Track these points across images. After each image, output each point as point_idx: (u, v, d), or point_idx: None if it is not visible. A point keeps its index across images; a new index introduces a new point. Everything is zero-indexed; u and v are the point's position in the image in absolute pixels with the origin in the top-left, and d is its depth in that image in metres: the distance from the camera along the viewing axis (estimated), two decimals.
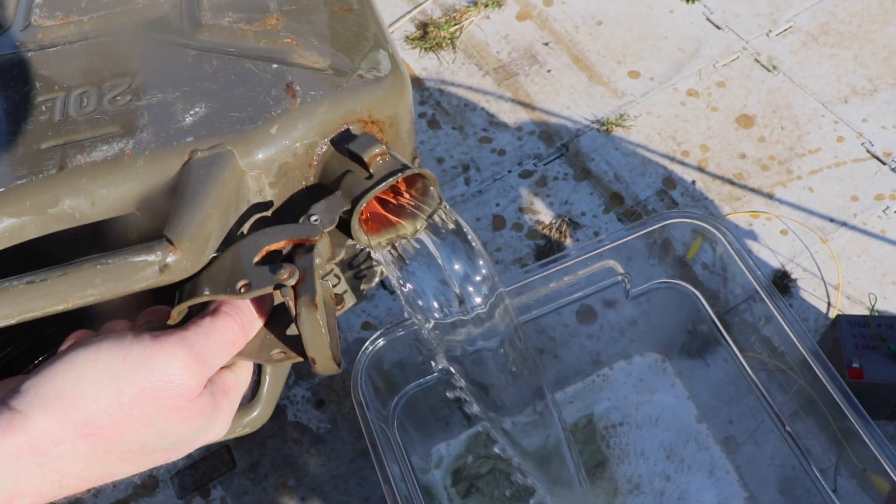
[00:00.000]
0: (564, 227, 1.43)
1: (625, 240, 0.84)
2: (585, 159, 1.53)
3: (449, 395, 0.71)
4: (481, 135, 1.58)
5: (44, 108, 0.51)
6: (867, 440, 0.86)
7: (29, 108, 0.51)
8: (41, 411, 0.37)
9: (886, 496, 0.88)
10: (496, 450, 1.02)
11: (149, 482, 1.27)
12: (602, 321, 1.25)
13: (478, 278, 0.58)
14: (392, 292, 1.36)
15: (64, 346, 0.43)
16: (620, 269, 0.87)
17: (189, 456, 1.28)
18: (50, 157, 0.47)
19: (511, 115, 1.62)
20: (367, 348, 0.76)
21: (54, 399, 0.37)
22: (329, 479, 1.23)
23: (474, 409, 0.70)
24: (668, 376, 1.13)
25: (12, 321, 0.42)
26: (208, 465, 1.27)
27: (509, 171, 1.53)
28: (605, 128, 1.57)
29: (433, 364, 0.83)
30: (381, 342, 0.77)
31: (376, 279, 0.67)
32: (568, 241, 1.41)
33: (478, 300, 0.59)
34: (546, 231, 1.43)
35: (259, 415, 0.58)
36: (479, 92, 1.66)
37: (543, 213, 1.46)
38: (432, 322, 0.59)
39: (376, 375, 0.78)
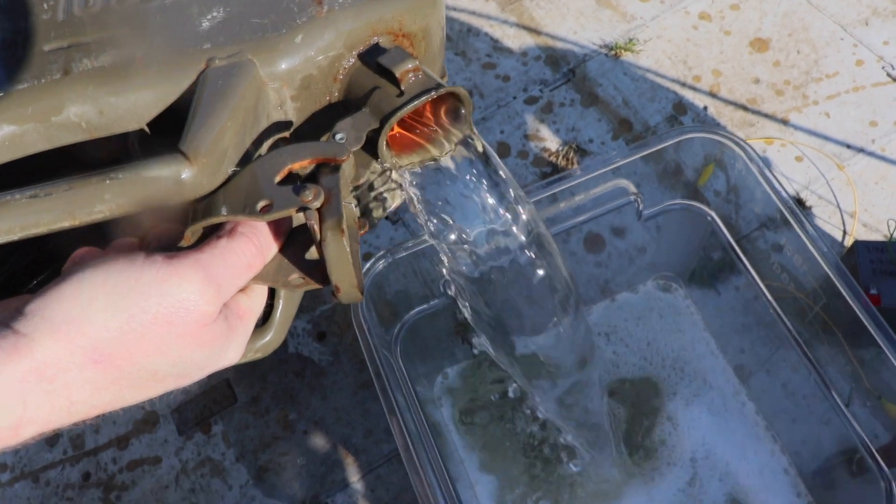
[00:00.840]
0: (571, 154, 1.38)
1: (637, 156, 0.80)
2: (593, 85, 1.48)
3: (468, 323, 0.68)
4: (485, 61, 1.53)
5: (45, 5, 0.46)
6: (885, 366, 0.83)
7: (29, 5, 0.47)
8: (48, 336, 0.35)
9: None
10: (510, 394, 0.99)
11: (149, 417, 1.25)
12: (610, 249, 1.21)
13: (504, 200, 0.55)
14: (394, 222, 1.33)
15: (69, 265, 0.40)
16: (633, 189, 0.83)
17: (188, 391, 1.26)
18: (53, 61, 0.43)
19: (516, 40, 1.56)
20: (366, 271, 0.73)
21: (62, 323, 0.35)
22: (331, 411, 1.20)
23: (484, 341, 0.67)
24: (680, 301, 1.10)
25: (14, 237, 0.40)
26: (209, 399, 1.25)
27: (514, 98, 1.47)
28: (613, 52, 1.51)
29: (441, 288, 0.79)
30: (381, 265, 0.74)
31: (396, 203, 0.63)
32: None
33: (507, 219, 0.56)
34: (552, 158, 1.39)
35: (272, 339, 0.55)
36: (482, 17, 1.59)
37: (550, 140, 1.42)
38: (457, 243, 0.57)
39: (378, 300, 0.74)
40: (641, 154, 0.79)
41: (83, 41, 0.44)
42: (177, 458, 1.21)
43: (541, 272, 0.60)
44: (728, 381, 1.06)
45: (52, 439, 1.25)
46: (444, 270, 0.60)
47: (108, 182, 0.40)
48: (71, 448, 1.24)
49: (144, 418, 1.25)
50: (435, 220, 0.55)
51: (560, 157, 1.38)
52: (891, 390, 0.87)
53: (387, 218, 1.35)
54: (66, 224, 0.40)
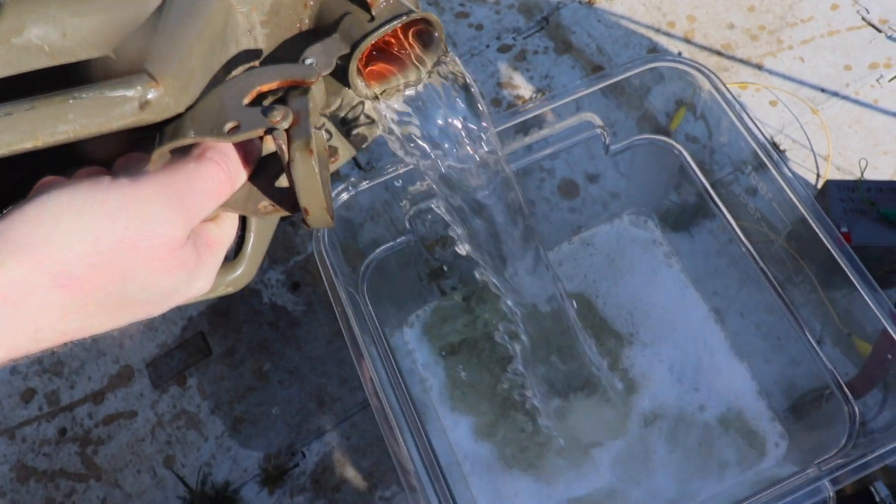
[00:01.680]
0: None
1: (602, 85, 0.79)
2: (566, 32, 1.46)
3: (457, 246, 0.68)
4: (458, 10, 1.51)
5: None
6: (856, 304, 0.84)
7: None
8: (12, 259, 0.34)
9: (867, 357, 0.86)
10: (509, 303, 0.98)
11: (124, 372, 1.25)
12: (585, 195, 1.21)
13: (477, 129, 0.55)
14: (362, 169, 1.31)
15: (33, 193, 0.38)
16: (599, 122, 0.82)
17: (163, 344, 1.25)
18: None
19: None
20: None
21: (25, 246, 0.34)
22: (306, 361, 1.20)
23: (466, 248, 0.66)
24: (655, 239, 1.09)
25: None
26: (183, 352, 1.24)
27: (487, 46, 1.46)
28: (587, 0, 1.50)
29: (408, 224, 0.79)
30: (344, 196, 0.73)
31: (371, 138, 0.63)
32: (556, 126, 1.36)
33: (476, 148, 0.56)
34: (525, 103, 1.37)
35: (243, 273, 0.54)
36: None
37: (523, 88, 1.40)
38: (426, 164, 0.56)
39: (342, 235, 0.73)
40: (606, 83, 0.78)
41: None
42: (152, 412, 1.21)
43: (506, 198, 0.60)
44: (703, 317, 1.06)
45: (28, 395, 1.24)
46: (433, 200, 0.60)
47: (71, 102, 0.38)
48: (46, 404, 1.23)
49: (119, 373, 1.25)
50: (412, 149, 0.54)
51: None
52: (861, 328, 0.87)
53: (354, 160, 1.34)
54: (28, 145, 0.39)
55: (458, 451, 0.94)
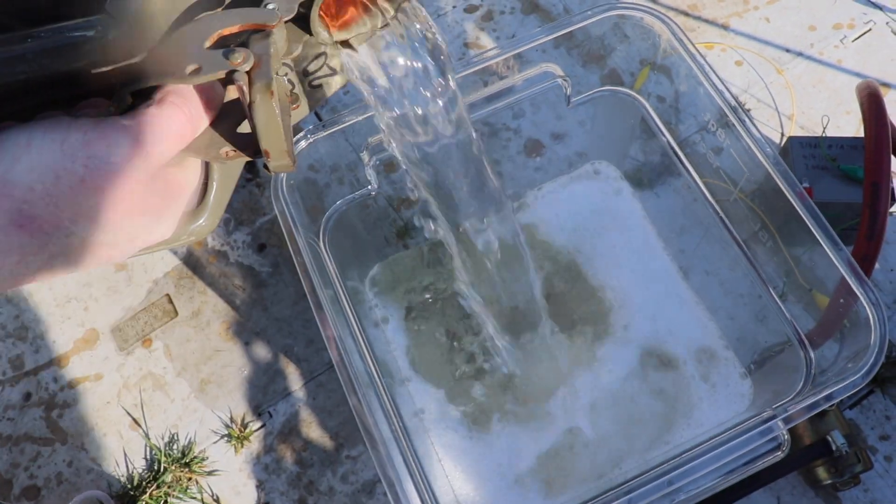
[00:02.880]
0: (512, 61, 1.36)
1: (560, 33, 0.78)
2: None
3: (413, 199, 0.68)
4: None
5: None
6: (817, 259, 0.85)
7: None
8: None
9: (826, 306, 0.87)
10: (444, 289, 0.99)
11: (90, 336, 1.24)
12: (550, 154, 1.21)
13: (441, 79, 0.54)
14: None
15: None
16: (560, 72, 0.82)
17: (129, 307, 1.24)
18: None
19: None
20: None
21: None
22: (272, 322, 1.20)
23: (431, 209, 0.66)
24: (621, 189, 1.09)
25: None
26: (149, 315, 1.23)
27: (454, 7, 1.45)
28: None
29: (368, 177, 0.78)
30: (303, 144, 0.72)
31: (334, 88, 0.62)
32: (516, 77, 1.35)
33: (439, 100, 0.56)
34: (493, 66, 1.37)
35: (206, 223, 0.54)
36: None
37: (490, 49, 1.40)
38: (392, 114, 0.56)
39: (302, 184, 0.73)
40: (568, 29, 0.78)
41: None
42: (118, 375, 1.20)
43: (467, 149, 0.61)
44: (668, 269, 1.07)
45: None
46: (387, 142, 0.59)
47: (29, 41, 0.38)
48: (10, 368, 1.22)
49: (84, 336, 1.24)
50: (375, 98, 0.54)
51: (500, 66, 1.36)
52: (822, 283, 0.88)
53: (315, 114, 1.33)
54: None
55: (423, 411, 0.94)
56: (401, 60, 0.52)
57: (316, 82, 0.61)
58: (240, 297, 1.22)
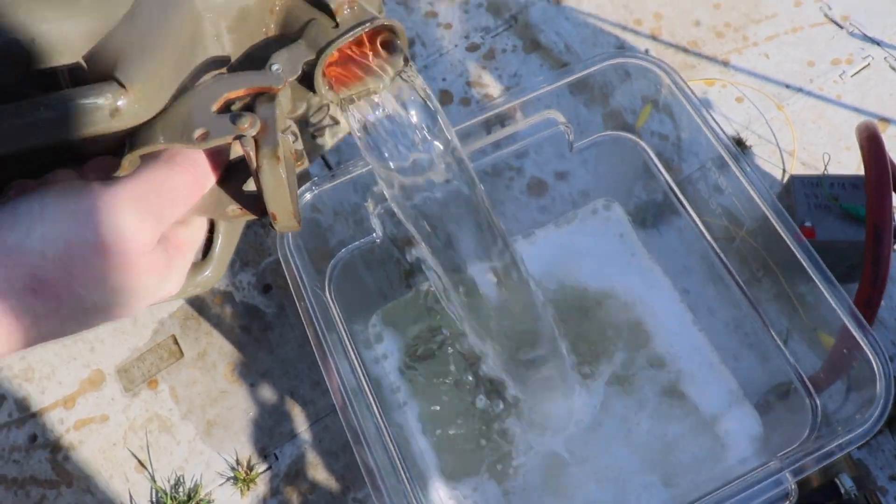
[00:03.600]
0: (516, 108, 1.37)
1: (565, 81, 0.79)
2: (535, 31, 1.47)
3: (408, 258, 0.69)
4: (427, 9, 1.51)
5: None
6: (820, 300, 0.85)
7: None
8: None
9: (829, 352, 0.88)
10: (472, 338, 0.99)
11: (95, 377, 1.24)
12: (554, 194, 1.21)
13: (437, 136, 0.57)
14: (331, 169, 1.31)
15: (3, 199, 0.39)
16: (562, 118, 0.83)
17: (135, 348, 1.25)
18: None
19: None
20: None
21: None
22: (278, 364, 1.20)
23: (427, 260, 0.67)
24: (624, 231, 1.10)
25: None
26: (155, 356, 1.24)
27: (456, 46, 1.46)
28: None
29: (374, 225, 0.79)
30: (308, 196, 0.73)
31: (334, 140, 0.64)
32: (517, 116, 1.36)
33: (436, 153, 0.58)
34: (497, 115, 1.38)
35: (211, 274, 0.55)
36: None
37: (492, 87, 1.41)
38: (390, 169, 0.58)
39: (308, 233, 0.73)
40: (570, 78, 0.79)
41: None
42: (124, 416, 1.20)
43: (468, 196, 0.62)
44: (677, 310, 1.07)
45: None
46: (387, 196, 0.61)
47: (42, 110, 0.39)
48: (17, 410, 1.22)
49: (90, 377, 1.24)
50: (374, 153, 0.56)
51: (504, 112, 1.37)
52: (826, 323, 0.88)
53: (323, 159, 1.34)
54: None
55: (427, 457, 0.94)
56: (397, 120, 0.54)
57: (317, 133, 0.62)
58: (245, 338, 1.22)
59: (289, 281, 0.69)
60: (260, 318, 1.24)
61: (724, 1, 1.49)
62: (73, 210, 0.36)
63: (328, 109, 0.61)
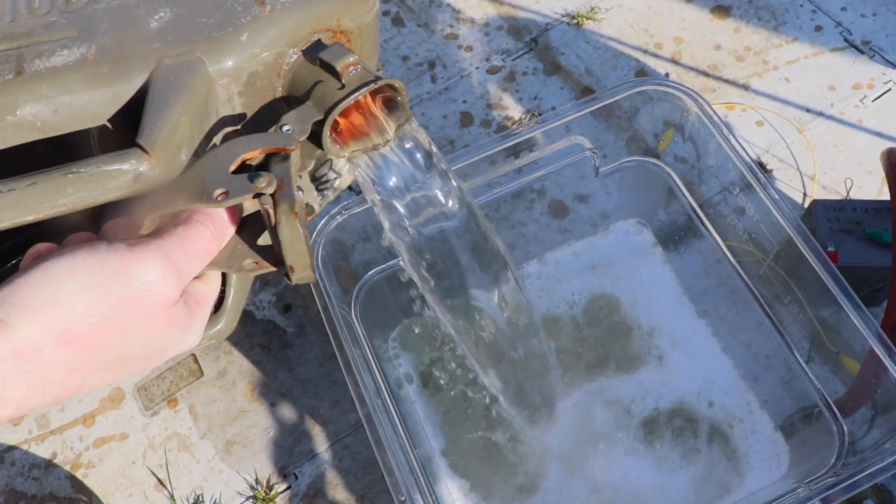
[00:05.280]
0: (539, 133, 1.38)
1: (591, 109, 0.80)
2: (555, 53, 1.48)
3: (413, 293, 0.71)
4: (447, 31, 1.52)
5: None
6: (843, 323, 0.85)
7: None
8: (22, 319, 0.37)
9: (855, 376, 0.87)
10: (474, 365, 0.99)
11: (115, 395, 1.24)
12: (574, 216, 1.22)
13: (442, 188, 0.60)
14: (356, 193, 1.32)
15: (27, 260, 0.42)
16: (588, 144, 0.83)
17: (155, 367, 1.25)
18: (4, 62, 0.44)
19: (478, 10, 1.55)
20: (320, 229, 0.72)
21: (34, 307, 0.37)
22: (298, 383, 1.20)
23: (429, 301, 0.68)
24: (649, 249, 1.10)
25: None
26: (175, 374, 1.24)
27: (476, 68, 1.47)
28: (575, 21, 1.51)
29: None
30: (339, 219, 0.73)
31: (339, 190, 0.67)
32: (545, 149, 1.37)
33: (442, 205, 0.61)
34: (515, 127, 1.39)
35: (224, 326, 0.59)
36: None
37: (512, 109, 1.42)
38: (399, 223, 0.61)
39: (335, 255, 0.74)
40: (595, 106, 0.79)
41: (33, 42, 0.46)
42: (144, 434, 1.20)
43: (469, 239, 0.64)
44: (700, 330, 1.07)
45: (17, 419, 1.24)
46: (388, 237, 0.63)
47: (70, 177, 0.41)
48: (36, 427, 1.23)
49: (110, 395, 1.24)
50: (379, 200, 0.59)
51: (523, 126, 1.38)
52: (848, 346, 0.88)
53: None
54: (30, 218, 0.42)
55: (448, 479, 0.94)
56: (400, 172, 0.57)
57: (322, 186, 0.65)
58: (265, 357, 1.23)
59: (317, 302, 0.70)
60: (280, 337, 1.24)
61: (743, 25, 1.49)
62: (101, 267, 0.39)
63: (332, 163, 0.64)
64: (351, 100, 0.48)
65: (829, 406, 0.85)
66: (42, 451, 1.21)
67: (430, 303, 0.68)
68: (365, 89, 0.48)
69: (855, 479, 0.63)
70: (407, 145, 0.55)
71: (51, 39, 0.45)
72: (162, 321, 0.41)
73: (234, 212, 0.46)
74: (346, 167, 0.68)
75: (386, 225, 0.61)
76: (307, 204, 0.50)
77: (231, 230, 0.46)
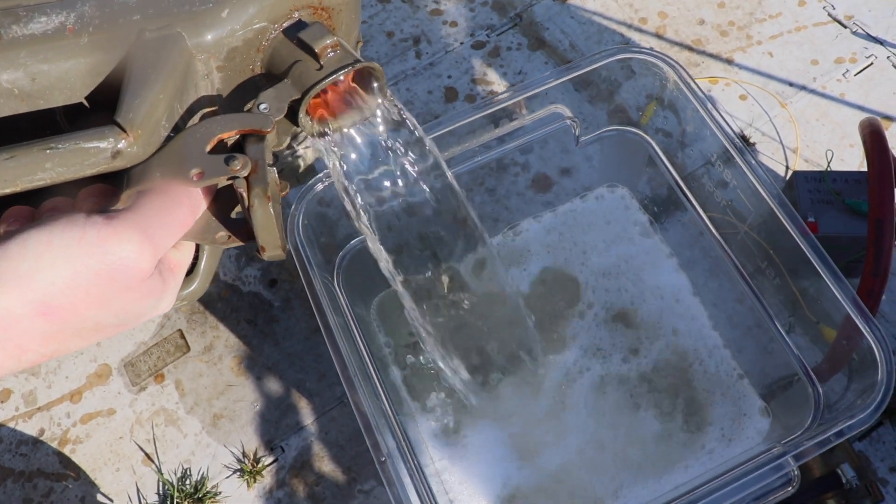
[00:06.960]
0: (521, 102, 1.38)
1: (571, 76, 0.80)
2: (540, 29, 1.48)
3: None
4: (432, 7, 1.52)
5: None
6: (823, 293, 0.86)
7: None
8: (0, 291, 0.38)
9: (833, 341, 0.88)
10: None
11: (102, 371, 1.25)
12: (558, 189, 1.22)
13: (422, 165, 0.61)
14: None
15: (4, 221, 0.43)
16: (568, 113, 0.84)
17: (141, 342, 1.26)
18: None
19: None
20: (303, 193, 0.73)
21: (12, 279, 0.38)
22: (284, 357, 1.21)
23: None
24: (631, 207, 1.10)
25: None
26: (161, 350, 1.25)
27: (461, 43, 1.47)
28: None
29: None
30: (319, 187, 0.74)
31: (310, 161, 0.67)
32: (523, 111, 1.37)
33: (421, 185, 0.62)
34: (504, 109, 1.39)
35: (197, 288, 0.60)
36: None
37: (497, 84, 1.42)
38: (370, 211, 0.62)
39: (317, 225, 0.74)
40: (576, 73, 0.80)
41: (10, 6, 0.45)
42: (131, 410, 1.21)
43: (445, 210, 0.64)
44: (688, 300, 1.07)
45: (4, 396, 1.24)
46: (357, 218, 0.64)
47: (48, 152, 0.42)
48: (23, 404, 1.23)
49: (97, 372, 1.25)
50: (353, 182, 0.60)
51: (510, 107, 1.38)
52: (828, 315, 0.89)
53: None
54: (6, 190, 0.43)
55: (430, 444, 0.95)
56: (376, 151, 0.59)
57: (298, 156, 0.66)
58: (251, 331, 1.23)
59: (299, 272, 0.70)
60: (266, 311, 1.24)
61: (727, 0, 1.50)
62: (78, 240, 0.40)
63: (309, 137, 0.65)
64: (327, 82, 0.49)
65: (808, 373, 0.86)
66: (29, 427, 1.21)
67: (395, 284, 0.69)
68: (343, 71, 0.49)
69: (826, 435, 0.65)
70: (383, 122, 0.56)
71: (29, 6, 0.45)
72: (137, 292, 0.42)
73: (209, 187, 0.47)
74: (310, 148, 0.69)
75: (355, 204, 0.61)
76: (280, 181, 0.51)
77: (205, 204, 0.47)
